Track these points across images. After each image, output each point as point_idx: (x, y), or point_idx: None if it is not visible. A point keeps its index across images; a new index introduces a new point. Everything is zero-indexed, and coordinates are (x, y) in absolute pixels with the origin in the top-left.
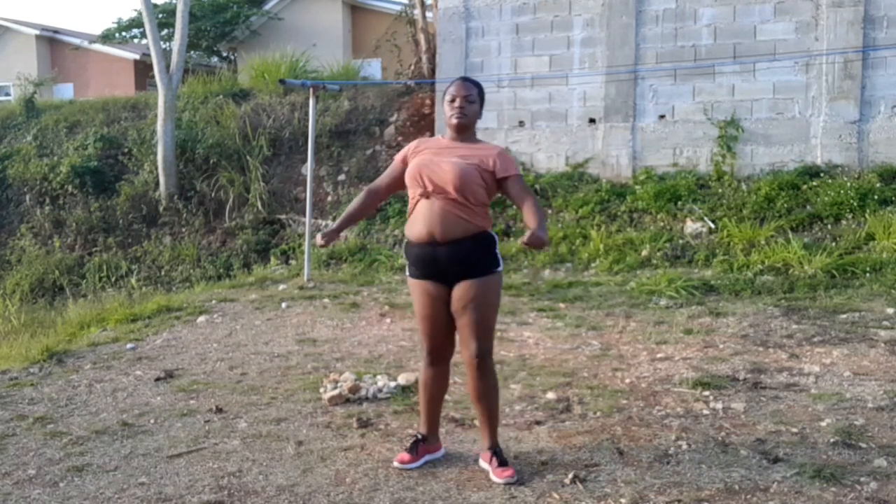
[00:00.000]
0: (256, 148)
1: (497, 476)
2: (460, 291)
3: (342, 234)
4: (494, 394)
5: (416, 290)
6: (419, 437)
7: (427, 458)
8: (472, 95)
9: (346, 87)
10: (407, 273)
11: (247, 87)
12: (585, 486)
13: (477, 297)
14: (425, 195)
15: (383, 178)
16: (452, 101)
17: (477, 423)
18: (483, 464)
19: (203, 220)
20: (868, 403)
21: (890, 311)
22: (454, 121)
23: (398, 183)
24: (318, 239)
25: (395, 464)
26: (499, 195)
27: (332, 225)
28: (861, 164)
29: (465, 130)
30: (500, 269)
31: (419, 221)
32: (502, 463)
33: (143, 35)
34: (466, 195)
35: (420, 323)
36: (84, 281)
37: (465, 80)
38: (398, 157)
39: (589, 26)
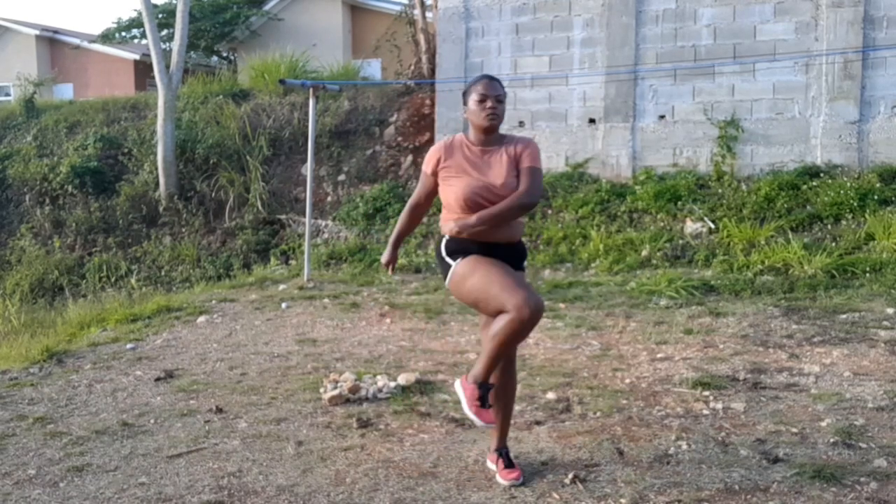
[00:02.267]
0: (256, 148)
1: (503, 478)
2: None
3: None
4: (514, 394)
5: (483, 260)
6: (491, 386)
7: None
8: (502, 95)
9: (346, 87)
10: (453, 261)
11: (247, 87)
12: (585, 486)
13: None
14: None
15: (422, 194)
16: (483, 100)
17: (477, 423)
18: (490, 464)
19: (203, 220)
20: (868, 403)
21: (890, 311)
22: (487, 123)
23: (434, 195)
24: (386, 267)
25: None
26: None
27: (387, 249)
28: (861, 165)
29: (495, 131)
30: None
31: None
32: (508, 465)
33: (143, 35)
34: None
35: (502, 281)
36: (84, 281)
37: (493, 78)
38: (426, 170)
39: (589, 26)
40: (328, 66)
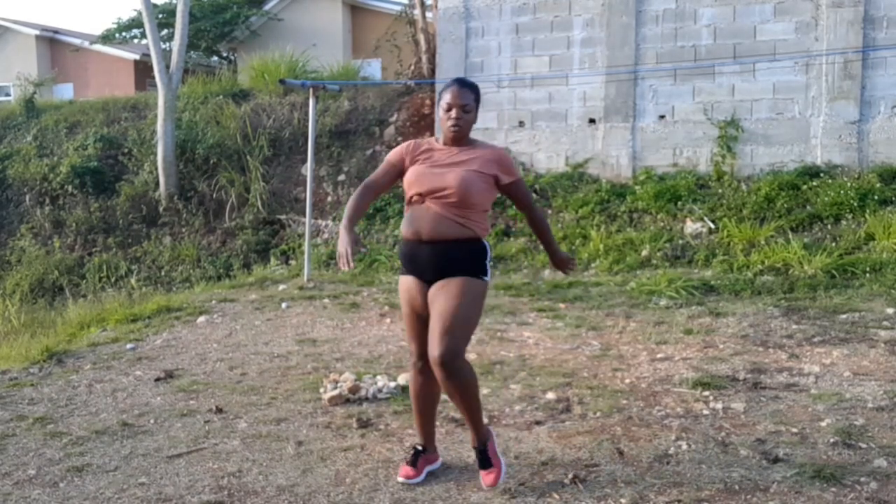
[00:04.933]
0: (256, 148)
1: (483, 480)
2: (437, 285)
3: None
4: (468, 393)
5: (401, 287)
6: (418, 448)
7: (427, 469)
8: (469, 104)
9: (346, 87)
10: (400, 273)
11: (247, 87)
12: (585, 486)
13: (452, 290)
14: (421, 200)
15: (379, 177)
16: (449, 109)
17: None
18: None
19: (203, 220)
20: (868, 403)
21: (890, 311)
22: (450, 133)
23: (391, 182)
24: (343, 264)
25: (400, 479)
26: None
27: (344, 237)
28: (861, 165)
29: (460, 141)
30: (486, 278)
31: (410, 221)
32: (484, 464)
33: (143, 35)
34: (469, 201)
35: (406, 323)
36: (84, 281)
37: (462, 84)
38: (392, 158)
39: (589, 26)
40: (328, 66)
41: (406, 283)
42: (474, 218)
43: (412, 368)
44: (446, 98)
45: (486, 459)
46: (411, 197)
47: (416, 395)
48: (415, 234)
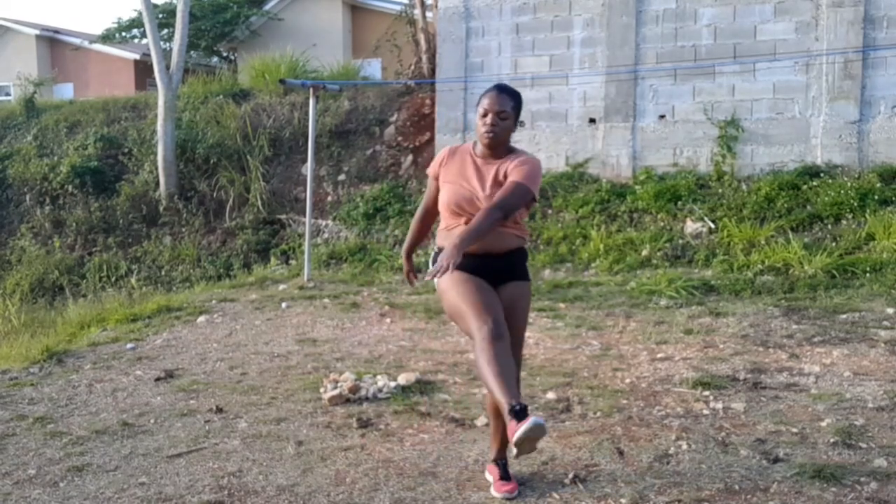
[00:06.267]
0: (257, 148)
1: (496, 490)
2: (510, 289)
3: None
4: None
5: (461, 278)
6: (518, 407)
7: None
8: (506, 112)
9: (346, 87)
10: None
11: (247, 87)
12: (585, 486)
13: (522, 299)
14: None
15: (429, 200)
16: (484, 115)
17: (477, 423)
18: (487, 475)
19: (203, 220)
20: (868, 403)
21: (890, 311)
22: (485, 140)
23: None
24: (408, 279)
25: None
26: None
27: (403, 262)
28: (861, 164)
29: (494, 148)
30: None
31: None
32: (504, 476)
33: (144, 35)
34: (515, 217)
35: (472, 301)
36: (84, 281)
37: (501, 90)
38: (431, 171)
39: (589, 26)
40: (328, 65)
41: (464, 274)
42: (521, 226)
43: (488, 337)
44: (483, 104)
45: (506, 472)
46: (456, 219)
47: (499, 357)
48: (482, 251)
